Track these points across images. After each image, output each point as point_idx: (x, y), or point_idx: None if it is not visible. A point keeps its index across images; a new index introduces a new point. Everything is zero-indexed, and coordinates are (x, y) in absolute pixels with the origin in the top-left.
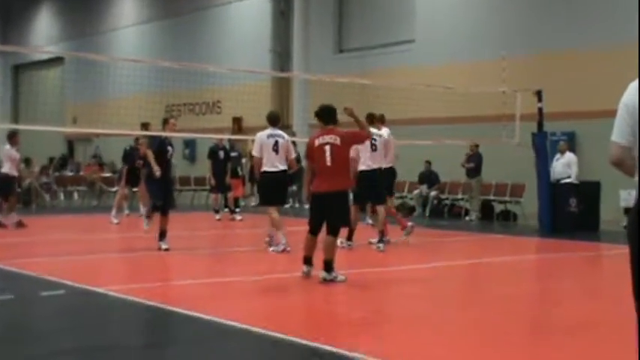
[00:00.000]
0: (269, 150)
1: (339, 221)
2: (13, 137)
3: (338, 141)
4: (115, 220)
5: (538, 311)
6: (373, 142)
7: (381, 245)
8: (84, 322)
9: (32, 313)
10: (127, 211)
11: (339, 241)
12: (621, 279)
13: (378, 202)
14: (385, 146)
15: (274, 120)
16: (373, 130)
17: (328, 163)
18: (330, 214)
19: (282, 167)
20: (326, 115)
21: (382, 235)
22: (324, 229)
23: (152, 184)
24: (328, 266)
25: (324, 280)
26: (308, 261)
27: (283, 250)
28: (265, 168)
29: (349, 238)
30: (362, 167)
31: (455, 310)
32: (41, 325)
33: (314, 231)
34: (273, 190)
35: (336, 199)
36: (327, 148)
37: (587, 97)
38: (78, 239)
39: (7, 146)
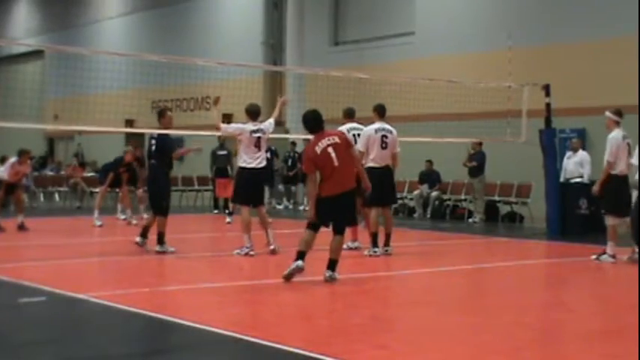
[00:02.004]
0: (251, 145)
1: (349, 221)
2: (21, 155)
3: (337, 139)
4: (98, 223)
5: (546, 319)
6: (384, 139)
7: (389, 249)
8: (66, 330)
9: (10, 321)
10: (123, 215)
11: (346, 245)
12: (635, 285)
13: (390, 202)
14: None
15: (256, 113)
16: (351, 124)
17: (336, 163)
18: (341, 214)
19: (262, 165)
20: (314, 121)
21: (389, 238)
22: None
23: (162, 185)
24: (335, 265)
25: (331, 279)
26: (302, 256)
27: (246, 254)
28: (244, 164)
29: (387, 243)
30: (370, 164)
31: (457, 317)
32: (20, 334)
33: (316, 228)
34: (248, 188)
35: (348, 198)
36: (331, 149)
37: (599, 92)
38: (60, 243)
39: (14, 159)
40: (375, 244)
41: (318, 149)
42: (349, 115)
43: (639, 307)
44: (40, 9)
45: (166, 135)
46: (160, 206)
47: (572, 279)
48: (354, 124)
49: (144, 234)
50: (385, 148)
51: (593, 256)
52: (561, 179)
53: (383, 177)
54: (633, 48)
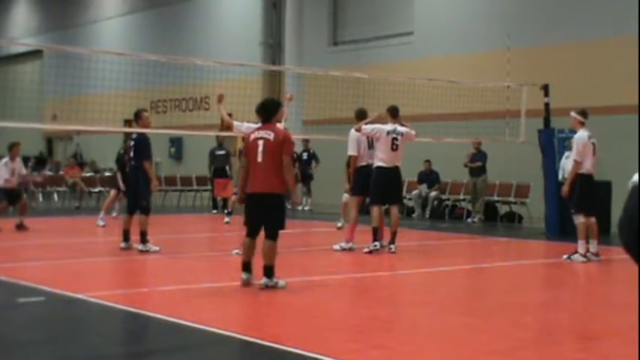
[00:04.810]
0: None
1: (277, 224)
2: (11, 149)
3: (272, 136)
4: (102, 223)
5: (545, 319)
6: (395, 141)
7: (392, 247)
8: (64, 330)
9: (9, 321)
10: (115, 213)
11: (339, 246)
12: (633, 285)
13: (394, 201)
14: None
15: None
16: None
17: (259, 159)
18: (266, 217)
19: None
20: (266, 110)
21: (394, 236)
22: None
23: (142, 185)
24: (269, 272)
25: (266, 287)
26: (247, 267)
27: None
28: None
29: (392, 241)
30: (379, 164)
31: (456, 317)
32: (18, 334)
33: (251, 233)
34: None
35: (270, 202)
36: (261, 142)
37: (598, 92)
38: (58, 243)
39: (5, 159)
40: (375, 237)
41: (252, 136)
42: (359, 117)
43: (639, 307)
44: (39, 9)
45: (145, 136)
46: (141, 206)
47: (570, 279)
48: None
49: (126, 238)
50: (396, 150)
51: (565, 256)
52: (560, 179)
53: (390, 177)
54: (633, 48)
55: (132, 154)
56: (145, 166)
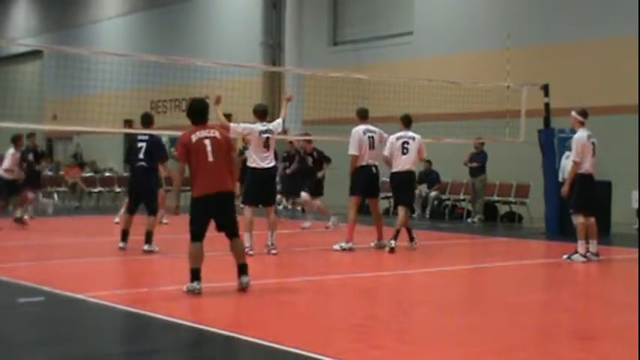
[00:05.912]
0: (260, 145)
1: (236, 221)
2: (16, 140)
3: (218, 134)
4: (118, 220)
5: (544, 320)
6: (405, 145)
7: (393, 242)
8: (64, 330)
9: (8, 321)
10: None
11: (338, 246)
12: (633, 285)
13: (404, 203)
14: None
15: (264, 113)
16: (365, 126)
17: (210, 159)
18: (225, 218)
19: (271, 165)
20: (196, 114)
21: (397, 234)
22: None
23: (155, 186)
24: (247, 269)
25: (247, 285)
26: (198, 275)
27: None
28: (254, 165)
29: (394, 237)
30: (393, 169)
31: (456, 317)
32: (18, 334)
33: (201, 237)
34: (258, 189)
35: (229, 201)
36: (208, 142)
37: (598, 92)
38: (58, 243)
39: (12, 150)
40: (395, 237)
41: (194, 137)
42: (362, 115)
43: (639, 306)
44: (39, 9)
45: (159, 138)
46: (151, 207)
47: (570, 279)
48: (369, 127)
49: (124, 238)
50: (406, 154)
51: (565, 256)
52: (560, 179)
53: (404, 181)
54: (633, 48)
55: (141, 155)
56: (164, 167)
